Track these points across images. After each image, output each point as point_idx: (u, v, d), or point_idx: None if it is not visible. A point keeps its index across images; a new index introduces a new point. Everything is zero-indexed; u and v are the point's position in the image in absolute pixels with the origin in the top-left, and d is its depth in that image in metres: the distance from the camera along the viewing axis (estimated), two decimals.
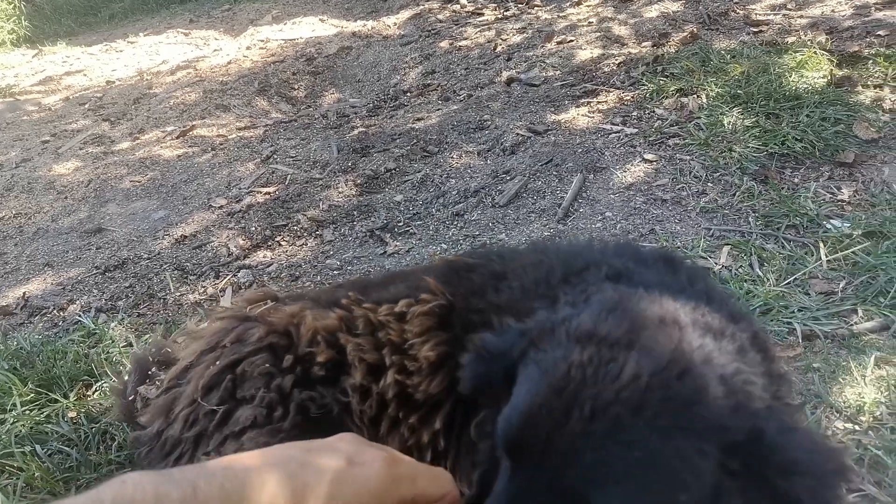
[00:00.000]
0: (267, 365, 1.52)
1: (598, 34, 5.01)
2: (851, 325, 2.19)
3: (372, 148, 4.02)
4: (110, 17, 10.47)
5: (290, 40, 6.65)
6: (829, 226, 2.64)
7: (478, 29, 5.88)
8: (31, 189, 4.32)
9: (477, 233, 3.01)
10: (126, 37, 8.29)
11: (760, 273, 2.48)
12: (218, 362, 1.54)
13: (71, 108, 5.92)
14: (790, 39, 4.14)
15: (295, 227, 3.30)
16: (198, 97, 5.46)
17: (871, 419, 1.88)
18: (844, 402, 1.94)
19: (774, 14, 4.78)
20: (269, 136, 4.55)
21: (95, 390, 2.30)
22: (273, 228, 3.32)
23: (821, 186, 2.88)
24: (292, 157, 4.12)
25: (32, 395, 2.23)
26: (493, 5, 6.46)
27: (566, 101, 4.07)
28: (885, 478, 1.74)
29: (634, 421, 0.89)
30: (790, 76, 3.58)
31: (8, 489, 1.87)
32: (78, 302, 2.96)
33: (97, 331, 2.62)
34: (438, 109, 4.42)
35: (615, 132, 3.55)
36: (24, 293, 3.11)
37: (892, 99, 3.39)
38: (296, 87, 5.58)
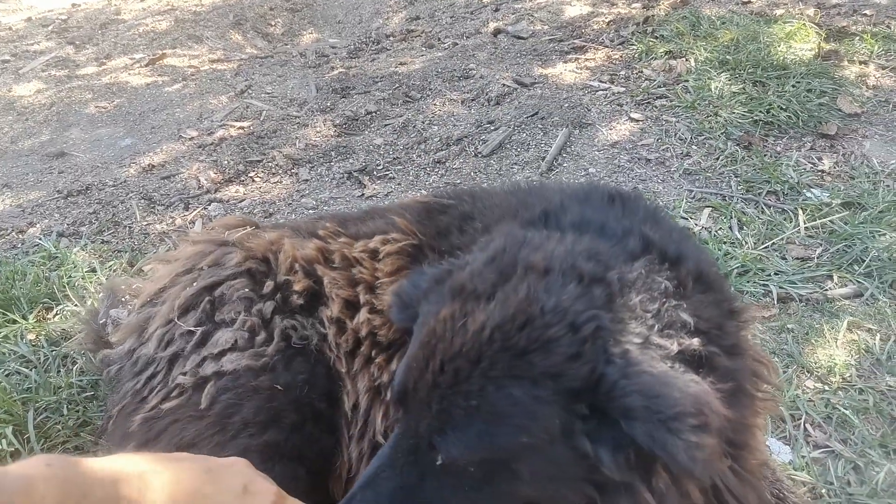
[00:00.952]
0: (247, 290, 1.47)
1: None
2: (826, 290, 2.23)
3: (352, 89, 3.90)
4: None
5: None
6: (808, 194, 2.67)
7: None
8: None
9: (458, 181, 2.96)
10: None
11: (739, 236, 2.49)
12: (195, 284, 1.48)
13: (33, 28, 5.59)
14: (779, 11, 4.12)
15: (270, 164, 3.20)
16: (169, 26, 5.21)
17: (841, 380, 1.93)
18: (816, 363, 1.98)
19: None
20: (244, 71, 4.37)
21: (56, 314, 2.21)
22: (247, 163, 3.21)
23: (802, 156, 2.90)
24: (268, 94, 3.97)
25: None
26: None
27: (553, 56, 3.99)
28: (851, 436, 1.79)
29: (472, 372, 0.97)
30: (779, 46, 3.58)
31: None
32: (38, 225, 2.83)
33: (58, 254, 2.51)
34: (422, 56, 4.29)
35: (602, 90, 3.50)
36: None
37: (877, 76, 3.42)
38: (272, 22, 5.37)
